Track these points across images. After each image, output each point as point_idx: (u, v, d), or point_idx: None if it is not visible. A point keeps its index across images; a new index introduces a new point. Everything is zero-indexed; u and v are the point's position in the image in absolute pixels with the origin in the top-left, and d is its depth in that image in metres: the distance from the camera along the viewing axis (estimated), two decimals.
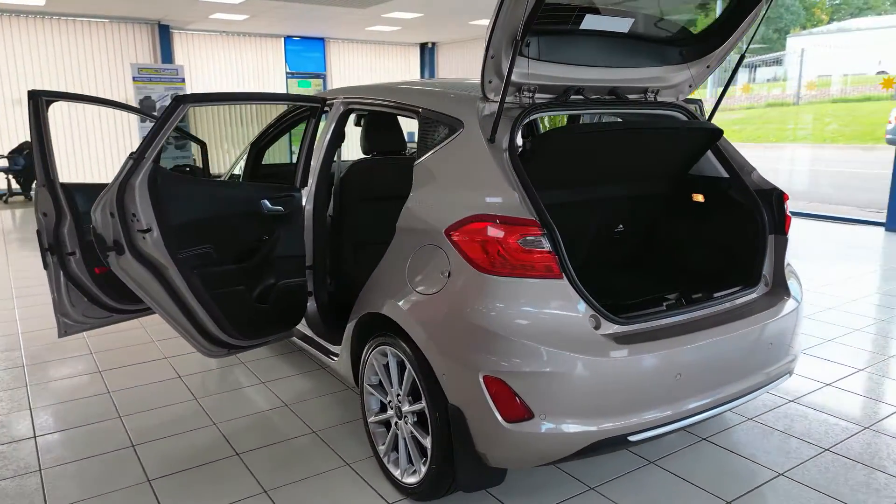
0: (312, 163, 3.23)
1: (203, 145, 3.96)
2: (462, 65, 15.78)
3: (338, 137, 3.27)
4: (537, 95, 2.52)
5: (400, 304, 2.37)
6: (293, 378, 3.69)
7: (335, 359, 3.02)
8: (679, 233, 3.03)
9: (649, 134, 2.68)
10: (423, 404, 2.34)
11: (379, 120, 3.33)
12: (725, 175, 2.86)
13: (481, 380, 2.09)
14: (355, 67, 15.86)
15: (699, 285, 2.63)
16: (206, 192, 2.84)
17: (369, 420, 2.72)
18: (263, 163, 4.14)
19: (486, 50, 2.23)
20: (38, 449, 2.95)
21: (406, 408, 2.46)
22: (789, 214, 2.76)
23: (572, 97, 2.58)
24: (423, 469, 2.39)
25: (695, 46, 2.85)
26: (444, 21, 12.71)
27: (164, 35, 13.15)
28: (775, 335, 2.51)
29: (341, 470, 2.75)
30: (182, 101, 2.55)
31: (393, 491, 2.58)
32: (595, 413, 2.09)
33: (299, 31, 14.27)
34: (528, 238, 2.09)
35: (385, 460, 2.63)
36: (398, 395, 2.51)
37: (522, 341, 2.07)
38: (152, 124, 2.63)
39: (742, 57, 2.82)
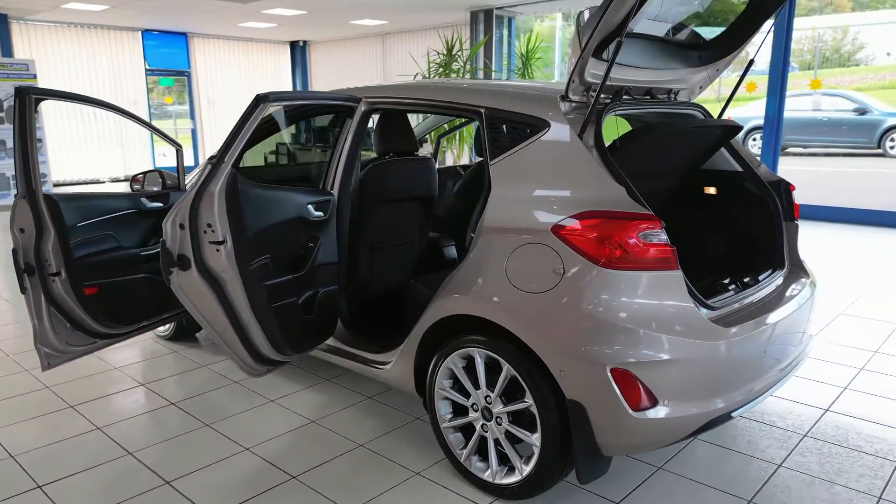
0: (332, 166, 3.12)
1: (179, 148, 3.62)
2: (337, 65, 15.53)
3: (360, 139, 3.15)
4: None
5: (501, 304, 2.36)
6: (302, 393, 3.49)
7: (382, 367, 2.92)
8: (703, 223, 3.25)
9: (697, 131, 2.87)
10: (526, 403, 2.35)
11: (395, 120, 3.25)
12: (739, 169, 3.12)
13: (608, 373, 2.15)
14: (222, 66, 15.05)
15: (733, 271, 2.86)
16: (272, 199, 2.65)
17: (443, 426, 2.67)
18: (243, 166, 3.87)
19: (582, 52, 2.29)
20: None
21: (498, 409, 2.46)
22: (796, 203, 3.07)
23: (623, 97, 2.70)
24: (527, 467, 2.39)
25: (709, 51, 3.08)
26: (326, 19, 12.44)
27: (0, 26, 11.70)
28: (808, 312, 2.80)
29: (414, 480, 2.67)
30: (263, 99, 2.35)
31: (479, 493, 2.56)
32: (708, 394, 2.23)
33: (160, 24, 13.30)
34: (648, 231, 2.17)
35: (467, 464, 2.60)
36: (486, 396, 2.49)
37: (647, 332, 2.16)
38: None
39: (751, 62, 3.09)
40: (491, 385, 2.48)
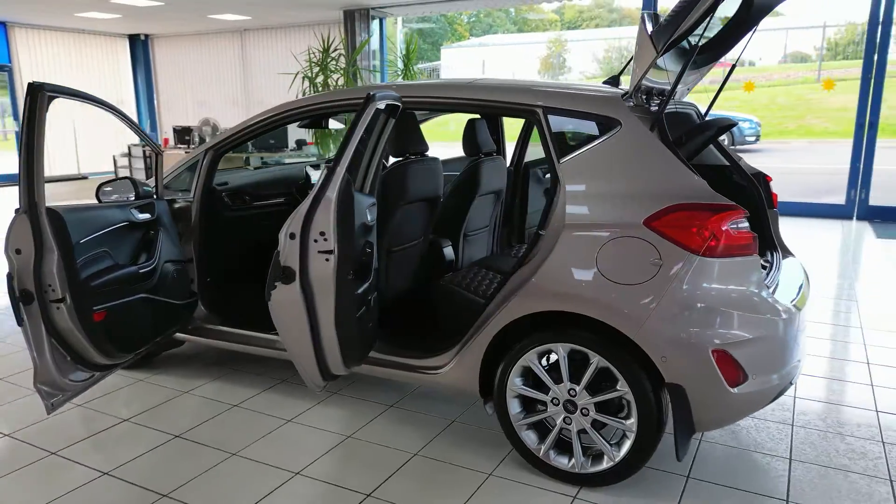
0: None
1: (158, 154, 3.23)
2: (187, 62, 14.50)
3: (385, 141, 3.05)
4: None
5: (598, 298, 2.42)
6: (316, 409, 3.30)
7: (435, 372, 2.86)
8: None
9: (705, 126, 3.12)
10: (620, 391, 2.44)
11: (410, 120, 3.19)
12: (727, 163, 3.44)
13: (711, 354, 2.30)
14: (51, 60, 13.45)
15: None
16: (363, 204, 2.49)
17: (517, 423, 2.68)
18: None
19: (658, 54, 2.42)
20: None
21: (585, 400, 2.52)
22: (774, 192, 3.46)
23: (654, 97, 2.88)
24: (620, 452, 2.49)
25: (701, 56, 3.36)
26: (182, 12, 11.58)
27: None
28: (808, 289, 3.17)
29: (491, 481, 2.66)
30: (373, 99, 2.20)
31: (562, 485, 2.62)
32: (781, 365, 2.46)
33: None
34: (737, 221, 2.35)
35: (546, 458, 2.64)
36: (570, 389, 2.55)
37: (739, 313, 2.34)
38: None
39: (733, 66, 3.41)
40: (568, 378, 2.54)
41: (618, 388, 2.46)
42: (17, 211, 2.47)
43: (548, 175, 4.17)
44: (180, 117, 14.36)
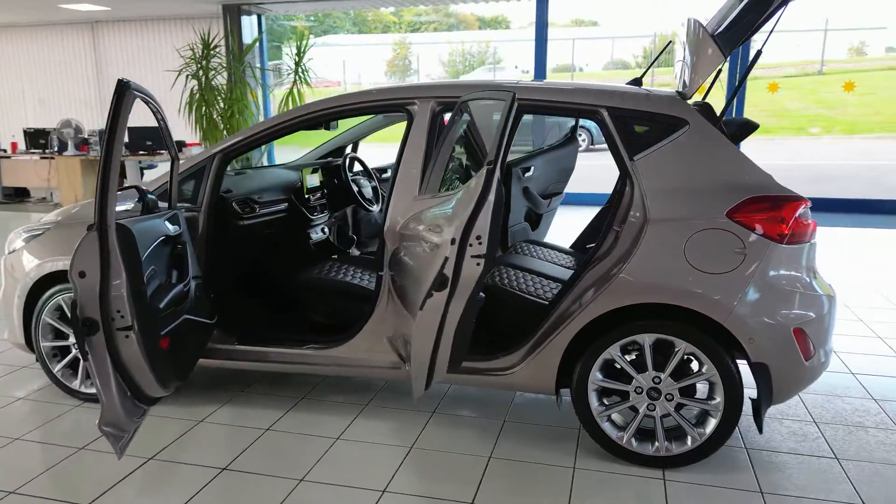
0: (401, 173, 2.93)
1: (175, 159, 2.88)
2: (24, 56, 12.87)
3: (433, 145, 2.98)
4: None
5: (690, 288, 2.55)
6: (358, 424, 3.15)
7: (506, 373, 2.86)
8: None
9: None
10: (706, 374, 2.60)
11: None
12: None
13: (792, 333, 2.53)
14: None
15: None
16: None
17: (598, 415, 2.75)
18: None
19: (726, 58, 2.60)
20: None
21: (670, 386, 2.65)
22: None
23: None
24: (705, 431, 2.65)
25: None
26: (26, 1, 10.30)
27: None
28: None
29: (581, 474, 2.72)
30: (515, 98, 2.13)
31: (647, 469, 2.73)
32: (829, 339, 2.75)
33: None
34: (804, 210, 2.59)
35: (629, 445, 2.74)
36: (655, 377, 2.67)
37: (813, 294, 2.59)
38: None
39: (753, 62, 3.46)
40: (658, 366, 2.66)
41: (702, 371, 2.62)
42: (89, 228, 2.11)
43: (527, 174, 4.28)
44: (18, 119, 12.76)
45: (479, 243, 2.13)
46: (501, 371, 2.87)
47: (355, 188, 4.28)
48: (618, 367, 2.72)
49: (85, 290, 2.17)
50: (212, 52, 9.54)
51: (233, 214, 3.33)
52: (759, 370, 2.57)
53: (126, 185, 3.17)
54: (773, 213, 2.55)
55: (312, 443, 2.97)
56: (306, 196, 3.88)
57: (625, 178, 2.73)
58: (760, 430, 2.64)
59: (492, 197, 2.09)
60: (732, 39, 2.57)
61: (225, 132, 9.55)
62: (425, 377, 2.41)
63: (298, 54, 9.88)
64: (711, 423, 2.66)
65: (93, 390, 3.33)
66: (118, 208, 2.87)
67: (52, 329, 3.37)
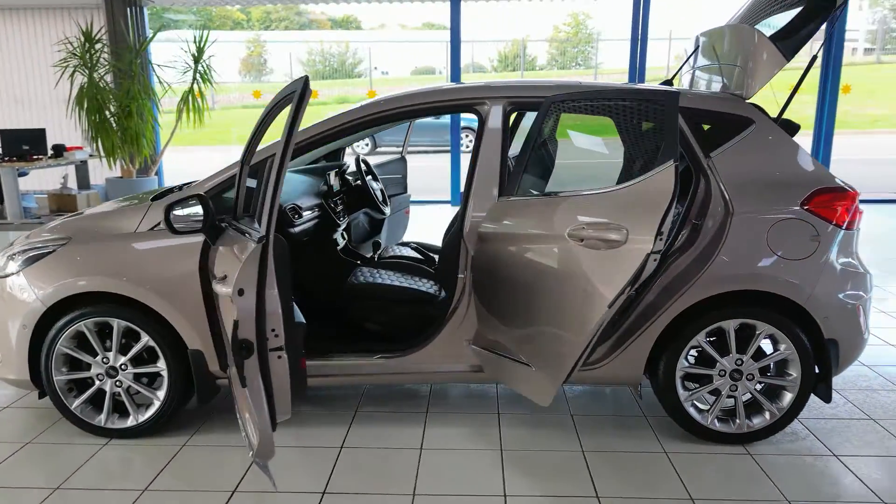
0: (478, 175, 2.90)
1: (245, 163, 2.60)
2: None
3: (508, 146, 2.97)
4: None
5: (776, 275, 2.75)
6: (432, 433, 3.07)
7: (593, 368, 2.92)
8: None
9: None
10: (784, 353, 2.83)
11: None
12: None
13: (857, 310, 2.82)
14: None
15: None
16: None
17: (685, 400, 2.89)
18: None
19: (788, 61, 2.84)
20: None
21: (752, 366, 2.85)
22: None
23: None
24: (783, 403, 2.87)
25: None
26: None
27: None
28: None
29: (677, 458, 2.84)
30: (677, 96, 2.15)
31: (728, 447, 2.91)
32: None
33: None
34: (856, 200, 2.89)
35: (712, 426, 2.90)
36: (738, 359, 2.85)
37: (864, 274, 2.90)
38: None
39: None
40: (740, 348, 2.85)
41: (779, 349, 2.84)
42: (259, 240, 1.87)
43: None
44: None
45: (660, 240, 2.17)
46: (588, 366, 2.92)
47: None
48: (695, 354, 2.86)
49: (243, 308, 1.94)
50: (94, 45, 8.68)
51: (286, 222, 3.10)
52: (832, 345, 2.83)
53: (189, 193, 2.83)
54: (837, 202, 2.82)
55: (398, 456, 2.86)
56: (337, 199, 3.70)
57: (698, 174, 2.88)
58: (829, 399, 2.91)
59: (677, 192, 2.14)
60: (795, 45, 2.81)
61: (120, 134, 8.73)
62: (563, 380, 2.41)
63: (198, 50, 9.26)
64: (787, 398, 2.89)
65: (122, 424, 2.98)
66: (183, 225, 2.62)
67: (66, 360, 2.96)
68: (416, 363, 2.99)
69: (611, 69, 30.11)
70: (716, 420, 2.92)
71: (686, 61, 3.53)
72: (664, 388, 2.90)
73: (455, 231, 3.00)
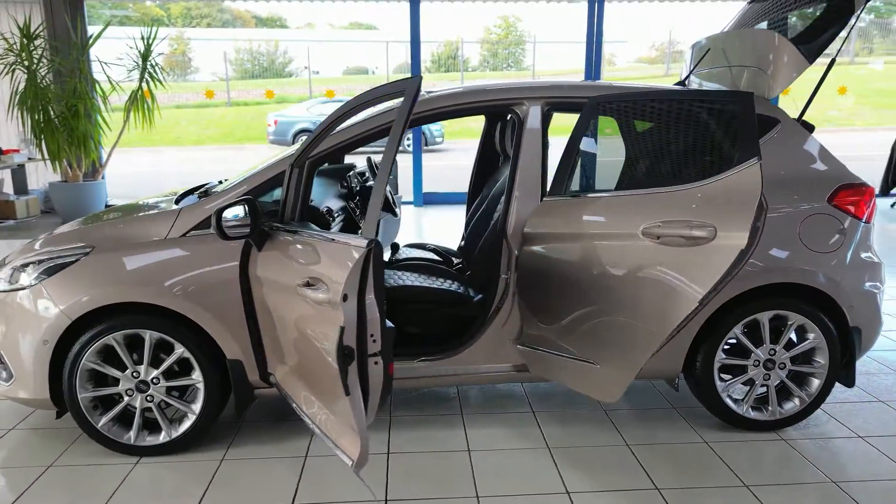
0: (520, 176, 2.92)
1: (298, 166, 2.50)
2: None
3: (547, 146, 2.99)
4: None
5: (808, 267, 2.87)
6: (509, 434, 3.06)
7: None
8: None
9: None
10: (813, 342, 2.97)
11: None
12: None
13: (877, 299, 3.00)
14: None
15: None
16: None
17: (723, 391, 2.99)
18: None
19: (810, 63, 2.98)
20: None
21: (784, 355, 2.98)
22: None
23: None
24: (812, 391, 3.01)
25: None
26: None
27: None
28: None
29: (718, 447, 2.93)
30: (750, 97, 2.20)
31: (759, 434, 3.04)
32: None
33: None
34: (873, 195, 3.06)
35: (746, 414, 3.02)
36: (771, 350, 2.97)
37: (879, 264, 3.07)
38: None
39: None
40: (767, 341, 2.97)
41: (807, 338, 2.98)
42: (368, 245, 1.80)
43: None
44: None
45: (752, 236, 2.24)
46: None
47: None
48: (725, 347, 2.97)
49: (349, 313, 1.86)
50: (34, 41, 8.18)
51: (325, 226, 3.01)
52: (856, 332, 2.99)
53: (240, 197, 2.69)
54: (858, 197, 2.98)
55: (448, 459, 2.83)
56: (362, 198, 3.62)
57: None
58: (853, 384, 3.07)
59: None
60: (817, 48, 2.94)
61: (66, 135, 8.25)
62: (633, 376, 2.45)
63: (146, 48, 8.87)
64: (815, 384, 3.03)
65: (154, 441, 2.84)
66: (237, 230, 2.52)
67: (91, 376, 2.79)
68: (459, 365, 2.97)
69: (543, 71, 30.83)
70: (750, 409, 3.03)
71: (696, 64, 3.63)
72: (702, 380, 2.99)
73: (497, 232, 2.99)
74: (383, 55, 39.21)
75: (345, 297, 1.91)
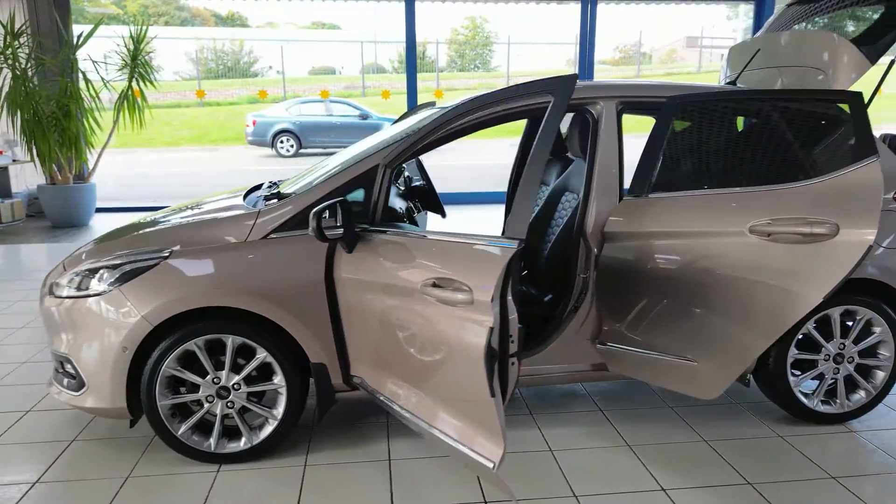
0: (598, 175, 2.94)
1: (389, 167, 2.46)
2: None
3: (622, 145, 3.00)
4: None
5: (882, 263, 2.94)
6: (647, 424, 3.05)
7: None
8: None
9: None
10: (879, 336, 3.04)
11: None
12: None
13: None
14: None
15: None
16: None
17: (797, 386, 3.04)
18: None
19: (870, 65, 3.06)
20: None
21: (852, 349, 3.05)
22: None
23: None
24: (877, 382, 3.09)
25: None
26: None
27: None
28: None
29: (796, 440, 2.98)
30: (860, 96, 2.23)
31: (828, 426, 3.10)
32: None
33: None
34: None
35: (817, 408, 3.08)
36: (841, 345, 3.04)
37: None
38: None
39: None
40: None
41: (875, 332, 3.06)
42: (519, 244, 1.77)
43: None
44: None
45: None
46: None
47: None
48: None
49: (495, 314, 1.84)
50: (18, 39, 7.90)
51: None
52: None
53: (335, 199, 2.62)
54: None
55: (534, 460, 2.82)
56: (413, 201, 3.58)
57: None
58: None
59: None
60: (879, 49, 3.02)
61: (57, 135, 7.99)
62: (740, 373, 2.47)
63: (135, 46, 8.64)
64: (880, 376, 3.11)
65: (234, 448, 2.77)
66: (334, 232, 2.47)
67: (170, 382, 2.71)
68: (536, 365, 2.96)
69: (516, 72, 31.02)
70: (819, 402, 3.10)
71: (746, 65, 3.70)
72: (775, 376, 3.04)
73: (572, 232, 2.99)
74: (348, 55, 38.97)
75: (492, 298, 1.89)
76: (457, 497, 2.55)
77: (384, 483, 2.65)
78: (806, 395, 3.10)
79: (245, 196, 3.27)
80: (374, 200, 2.69)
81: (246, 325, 2.68)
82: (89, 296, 2.68)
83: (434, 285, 2.17)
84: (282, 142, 16.11)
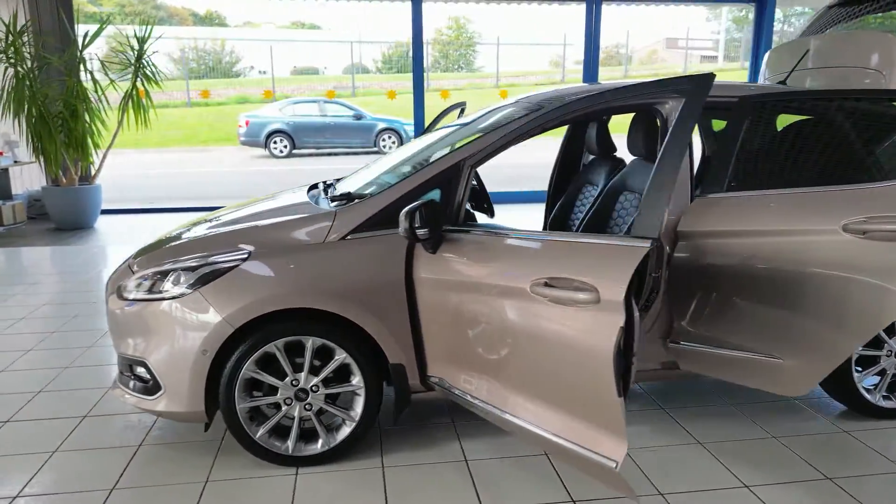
0: None
1: (470, 164, 2.44)
2: None
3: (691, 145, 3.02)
4: None
5: None
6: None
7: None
8: None
9: None
10: None
11: None
12: None
13: None
14: None
15: None
16: None
17: (859, 382, 3.08)
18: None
19: None
20: None
21: None
22: None
23: None
24: None
25: None
26: None
27: None
28: None
29: (862, 434, 3.02)
30: None
31: (888, 422, 3.15)
32: None
33: None
34: None
35: (880, 403, 3.13)
36: None
37: None
38: None
39: None
40: None
41: None
42: (653, 243, 1.77)
43: None
44: None
45: None
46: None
47: None
48: None
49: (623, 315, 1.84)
50: (21, 37, 7.75)
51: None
52: None
53: (425, 199, 2.60)
54: None
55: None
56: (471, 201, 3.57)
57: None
58: None
59: None
60: None
61: (63, 136, 7.85)
62: (829, 371, 2.49)
63: (140, 45, 8.52)
64: None
65: (312, 450, 2.75)
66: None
67: (248, 385, 2.67)
68: None
69: (506, 72, 31.10)
70: (881, 397, 3.15)
71: (796, 65, 3.74)
72: (840, 373, 3.06)
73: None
74: (331, 55, 38.73)
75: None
76: (543, 496, 2.55)
77: (467, 483, 2.64)
78: (868, 390, 3.15)
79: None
80: (457, 200, 2.68)
81: (325, 326, 2.65)
82: (164, 299, 2.64)
83: (546, 285, 2.16)
84: (275, 142, 15.99)
